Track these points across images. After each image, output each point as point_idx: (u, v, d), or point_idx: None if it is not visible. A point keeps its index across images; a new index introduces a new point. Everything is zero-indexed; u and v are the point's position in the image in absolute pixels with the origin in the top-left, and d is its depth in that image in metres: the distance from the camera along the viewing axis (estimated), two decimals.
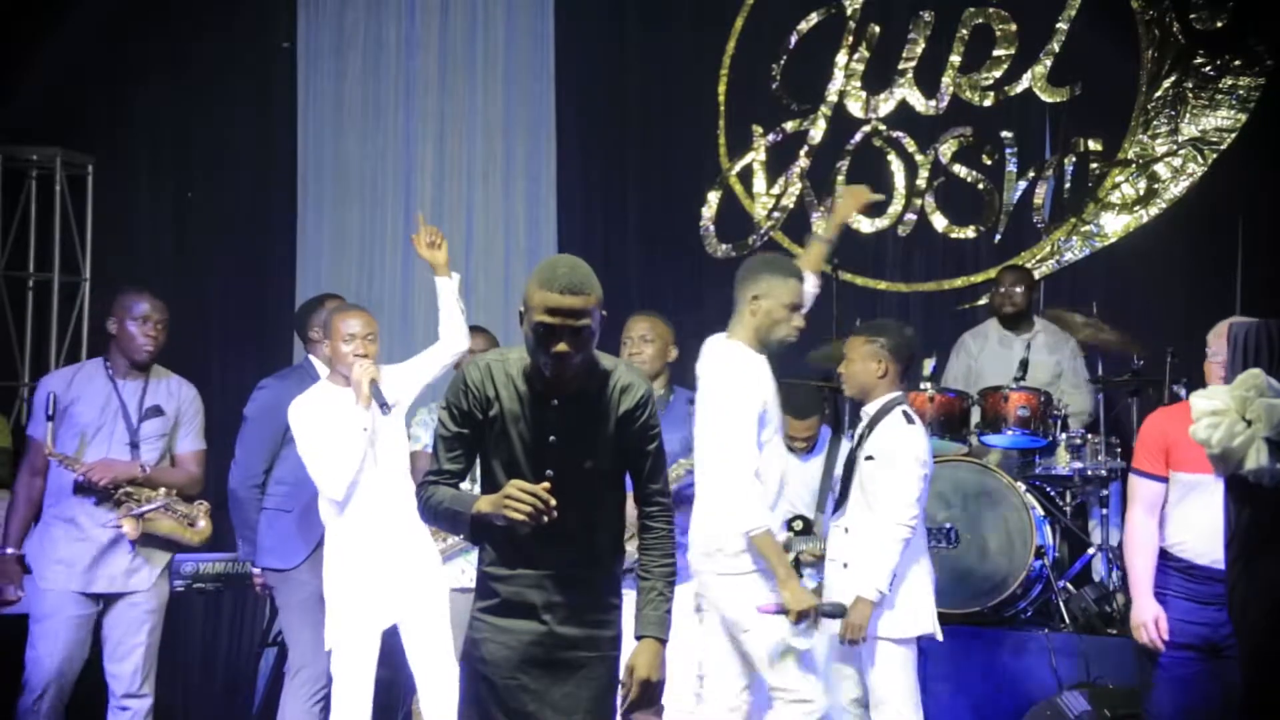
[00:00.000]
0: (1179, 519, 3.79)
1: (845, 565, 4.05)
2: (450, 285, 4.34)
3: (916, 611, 4.03)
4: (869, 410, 4.13)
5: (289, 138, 7.09)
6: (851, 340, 4.19)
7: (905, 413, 4.13)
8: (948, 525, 4.57)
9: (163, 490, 4.31)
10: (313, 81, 7.14)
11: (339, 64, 7.12)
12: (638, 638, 2.99)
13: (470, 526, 2.95)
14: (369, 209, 7.15)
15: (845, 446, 4.27)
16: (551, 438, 2.94)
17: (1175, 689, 3.73)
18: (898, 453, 4.04)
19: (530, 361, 2.95)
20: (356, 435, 4.04)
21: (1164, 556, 3.82)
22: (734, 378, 3.81)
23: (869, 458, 4.06)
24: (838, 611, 3.89)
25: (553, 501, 2.81)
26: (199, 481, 4.49)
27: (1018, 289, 5.82)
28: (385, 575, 4.07)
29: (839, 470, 4.18)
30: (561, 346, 2.85)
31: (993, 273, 6.32)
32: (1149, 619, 3.77)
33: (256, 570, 4.49)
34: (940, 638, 4.12)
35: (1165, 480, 3.81)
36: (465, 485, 3.08)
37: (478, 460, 3.06)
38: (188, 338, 6.78)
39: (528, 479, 2.89)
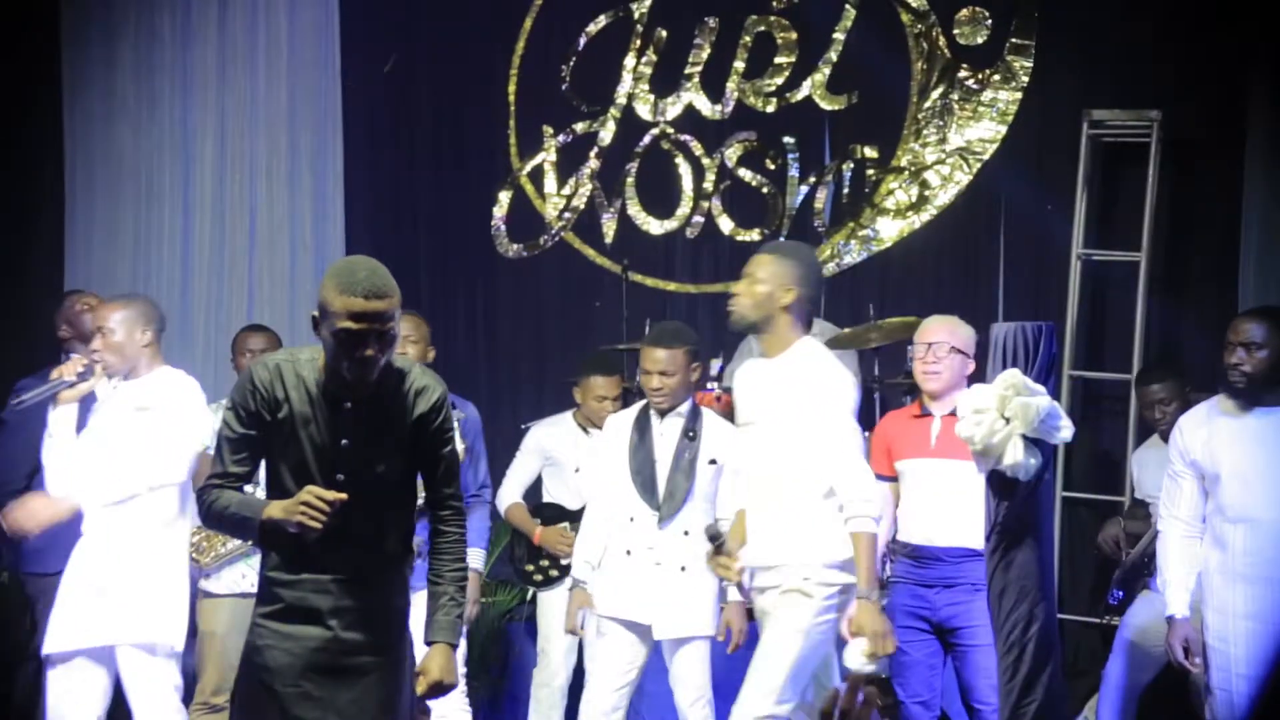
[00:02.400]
0: (903, 508, 4.06)
1: (683, 569, 4.08)
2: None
3: (719, 609, 4.18)
4: (684, 411, 4.16)
5: (54, 128, 6.72)
6: (664, 354, 4.10)
7: (712, 412, 4.27)
8: None
9: None
10: (79, 70, 6.79)
11: (108, 52, 6.80)
12: (429, 643, 2.97)
13: (259, 532, 2.88)
14: (145, 203, 6.86)
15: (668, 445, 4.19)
16: (344, 441, 2.89)
17: (914, 670, 3.96)
18: (732, 455, 4.13)
19: (322, 362, 2.90)
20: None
21: (899, 546, 4.08)
22: None
23: (712, 461, 4.11)
24: None
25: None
26: None
27: None
28: (104, 588, 3.79)
29: (662, 470, 4.13)
30: (368, 352, 2.81)
31: None
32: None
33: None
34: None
35: (891, 479, 4.08)
36: (249, 488, 3.00)
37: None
38: None
39: (317, 482, 2.84)
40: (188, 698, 4.56)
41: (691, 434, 4.13)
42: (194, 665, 4.62)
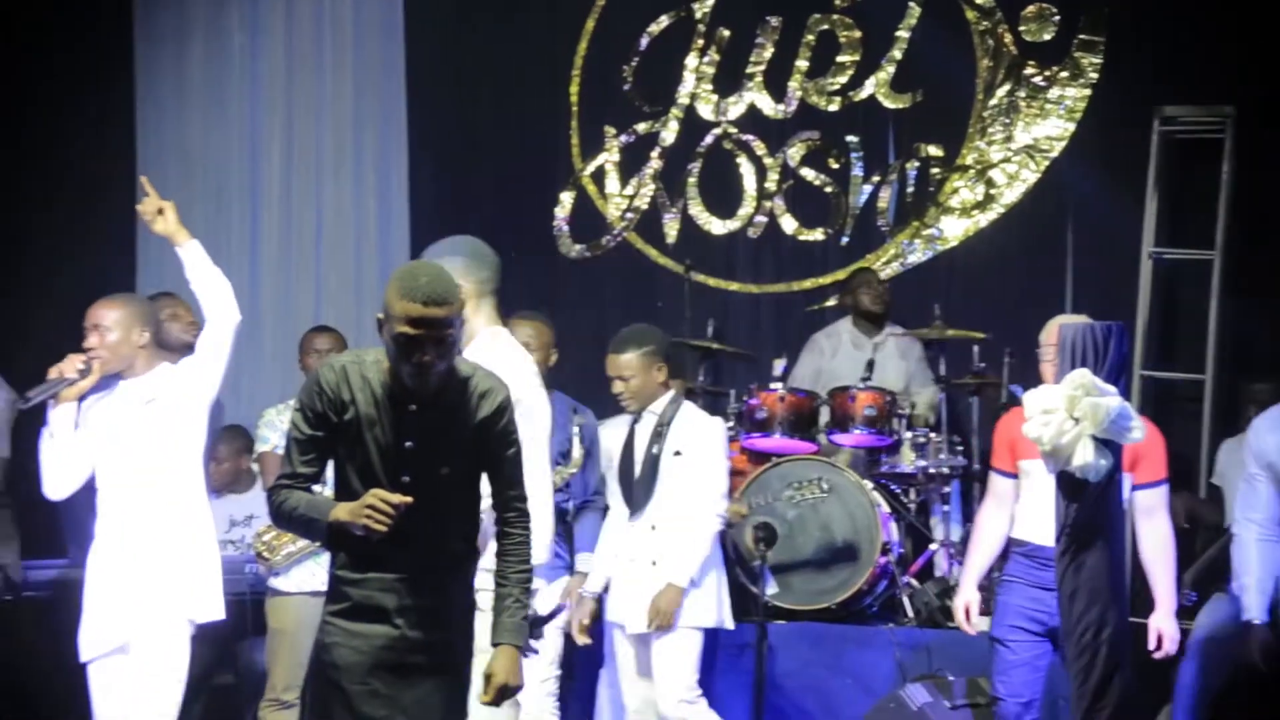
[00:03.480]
0: (1023, 506, 3.99)
1: (654, 563, 4.12)
2: (196, 250, 3.96)
3: (721, 601, 4.20)
4: (657, 409, 4.22)
5: (127, 127, 6.85)
6: (618, 360, 4.18)
7: (698, 406, 4.32)
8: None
9: None
10: (151, 68, 6.91)
11: (179, 50, 6.91)
12: (494, 644, 2.99)
13: (326, 534, 2.92)
14: (214, 201, 6.95)
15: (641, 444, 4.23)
16: (408, 443, 2.91)
17: (1018, 671, 3.88)
18: (708, 445, 4.19)
19: (387, 365, 2.93)
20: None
21: (1014, 544, 4.00)
22: None
23: (677, 453, 4.15)
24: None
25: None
26: None
27: (881, 287, 5.98)
28: (117, 588, 3.78)
29: (636, 469, 4.21)
30: (426, 357, 2.83)
31: (841, 274, 6.46)
32: (960, 605, 4.03)
33: None
34: (731, 626, 4.30)
35: (1013, 475, 4.00)
36: (317, 488, 3.04)
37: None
38: (17, 336, 6.53)
39: (383, 484, 2.87)
40: (258, 694, 4.64)
41: (660, 430, 4.18)
42: (265, 662, 4.68)
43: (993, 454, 4.15)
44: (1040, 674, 3.90)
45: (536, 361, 4.16)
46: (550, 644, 4.14)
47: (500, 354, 3.43)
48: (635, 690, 4.19)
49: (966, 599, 4.01)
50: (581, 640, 4.32)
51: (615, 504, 4.29)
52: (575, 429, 4.24)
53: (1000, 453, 4.05)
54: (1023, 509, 3.97)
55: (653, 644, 4.13)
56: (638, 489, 4.18)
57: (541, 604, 4.08)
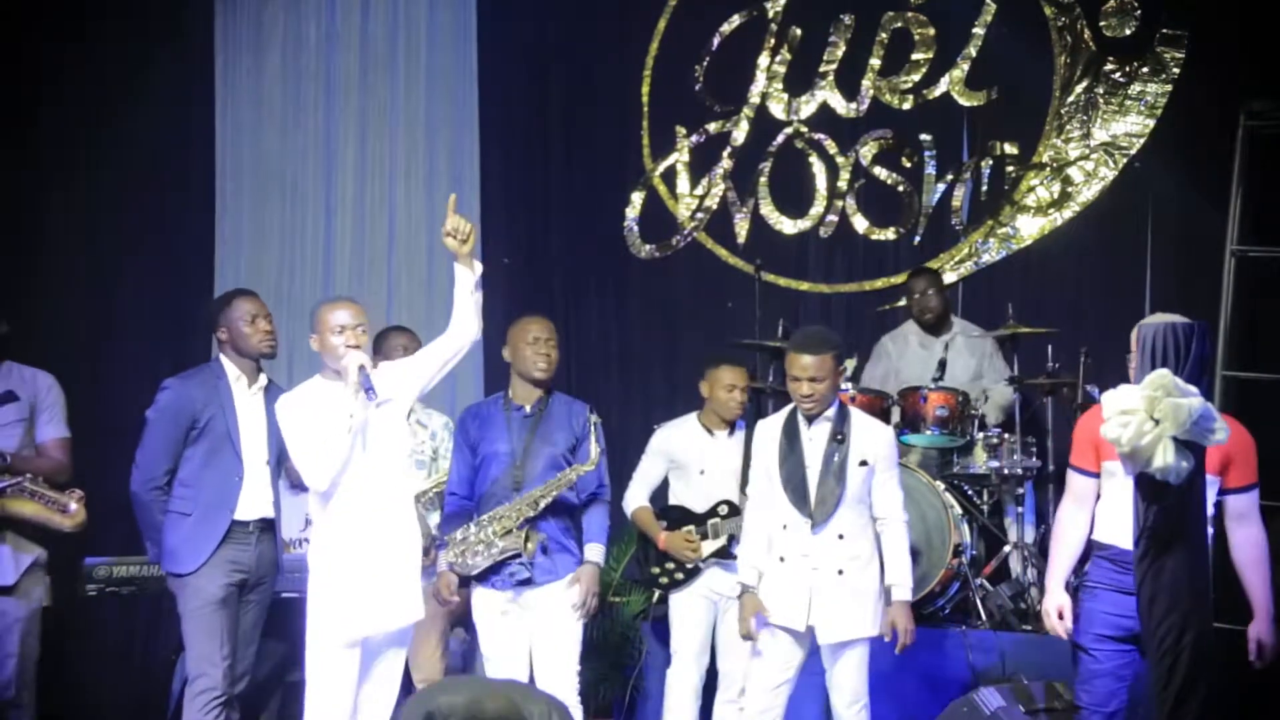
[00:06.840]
0: (1105, 508, 3.89)
1: (840, 572, 4.06)
2: (468, 275, 3.99)
3: (879, 610, 4.15)
4: (831, 414, 4.12)
5: (206, 135, 6.99)
6: (808, 360, 4.03)
7: (860, 411, 4.24)
8: None
9: (27, 476, 4.16)
10: (230, 78, 7.05)
11: (257, 60, 7.04)
12: None
13: None
14: (289, 207, 7.07)
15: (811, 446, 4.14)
16: None
17: (1102, 680, 3.79)
18: (890, 454, 4.14)
19: None
20: (342, 427, 3.88)
21: (1096, 548, 3.91)
22: None
23: (863, 463, 4.07)
24: None
25: None
26: (66, 469, 4.46)
27: (931, 292, 5.89)
28: (367, 578, 3.87)
29: (813, 476, 4.10)
30: None
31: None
32: (1052, 608, 3.91)
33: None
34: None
35: (1095, 475, 3.90)
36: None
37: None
38: (101, 338, 6.69)
39: None
40: None
41: (840, 437, 4.08)
42: None
43: (1073, 452, 4.02)
44: (1124, 684, 3.79)
45: (547, 359, 4.33)
46: (573, 639, 4.22)
47: None
48: (775, 691, 4.12)
49: (1059, 602, 3.89)
50: (755, 636, 4.19)
51: (760, 508, 4.18)
52: (592, 428, 4.28)
53: (1083, 451, 3.94)
54: (1105, 510, 3.87)
55: (838, 655, 4.10)
56: (821, 498, 4.07)
57: (569, 597, 4.22)
